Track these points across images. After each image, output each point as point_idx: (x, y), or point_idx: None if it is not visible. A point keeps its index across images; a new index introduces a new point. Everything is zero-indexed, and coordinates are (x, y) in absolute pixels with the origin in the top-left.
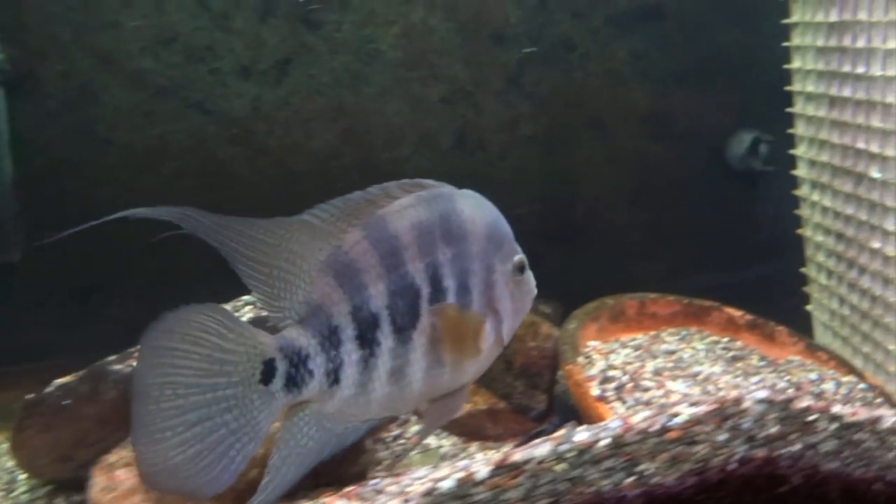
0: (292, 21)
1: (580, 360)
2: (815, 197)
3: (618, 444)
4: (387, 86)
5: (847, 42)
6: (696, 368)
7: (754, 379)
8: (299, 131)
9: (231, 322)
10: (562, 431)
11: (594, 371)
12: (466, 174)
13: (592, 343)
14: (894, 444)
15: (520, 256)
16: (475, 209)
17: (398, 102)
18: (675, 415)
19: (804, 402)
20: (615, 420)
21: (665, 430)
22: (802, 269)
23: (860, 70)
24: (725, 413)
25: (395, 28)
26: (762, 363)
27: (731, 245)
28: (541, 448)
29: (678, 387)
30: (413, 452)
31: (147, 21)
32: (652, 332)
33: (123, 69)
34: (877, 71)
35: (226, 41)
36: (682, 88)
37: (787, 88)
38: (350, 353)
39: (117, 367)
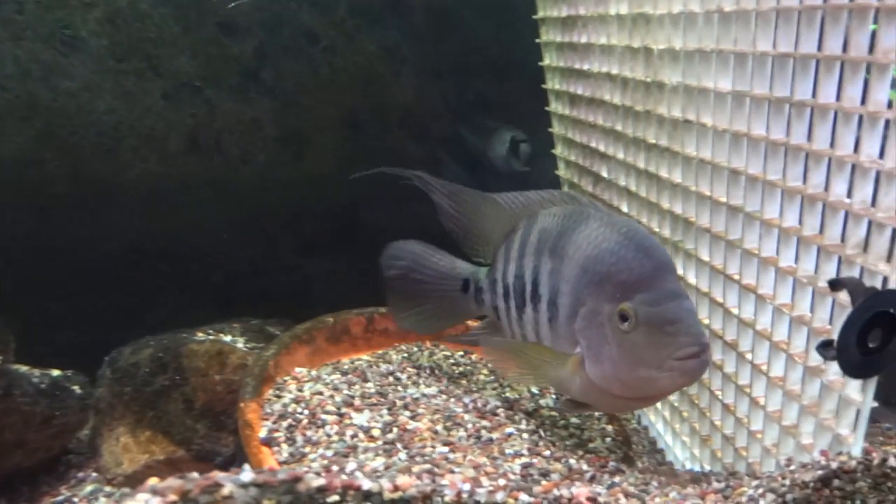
0: None
1: (270, 393)
2: None
3: None
4: (93, 79)
5: (575, 38)
6: (409, 391)
7: (467, 399)
8: None
9: (438, 251)
10: None
11: (277, 406)
12: (203, 181)
13: (300, 370)
14: None
15: (627, 305)
16: (592, 238)
17: (109, 99)
18: None
19: (318, 480)
20: None
21: None
22: None
23: (586, 66)
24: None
25: (96, 12)
26: (490, 378)
27: None
28: None
29: (363, 419)
30: None
31: None
32: (381, 351)
33: None
34: (595, 67)
35: None
36: (440, 86)
37: (544, 86)
38: (499, 300)
39: None
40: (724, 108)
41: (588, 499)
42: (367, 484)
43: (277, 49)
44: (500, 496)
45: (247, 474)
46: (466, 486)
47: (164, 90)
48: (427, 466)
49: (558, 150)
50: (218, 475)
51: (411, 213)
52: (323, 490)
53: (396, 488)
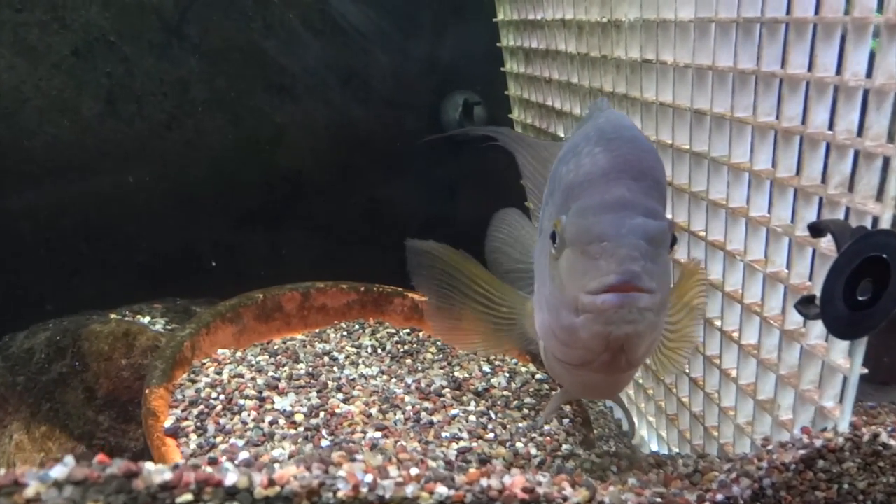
0: None
1: (183, 378)
2: None
3: None
4: None
5: None
6: (345, 372)
7: (410, 379)
8: None
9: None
10: None
11: (190, 392)
12: (123, 150)
13: (223, 352)
14: None
15: (563, 218)
16: (577, 138)
17: (9, 55)
18: None
19: (163, 475)
20: None
21: None
22: None
23: (539, 16)
24: None
25: None
26: (438, 356)
27: (464, 226)
28: None
29: (286, 402)
30: None
31: None
32: (318, 330)
33: None
34: (549, 14)
35: None
36: (385, 43)
37: (499, 45)
38: None
39: None
40: (687, 40)
41: (524, 489)
42: (231, 478)
43: (203, 0)
44: (410, 489)
45: (60, 468)
46: (368, 478)
47: (74, 46)
48: (336, 454)
49: (515, 114)
50: (22, 471)
51: (357, 182)
52: (169, 487)
53: (272, 482)
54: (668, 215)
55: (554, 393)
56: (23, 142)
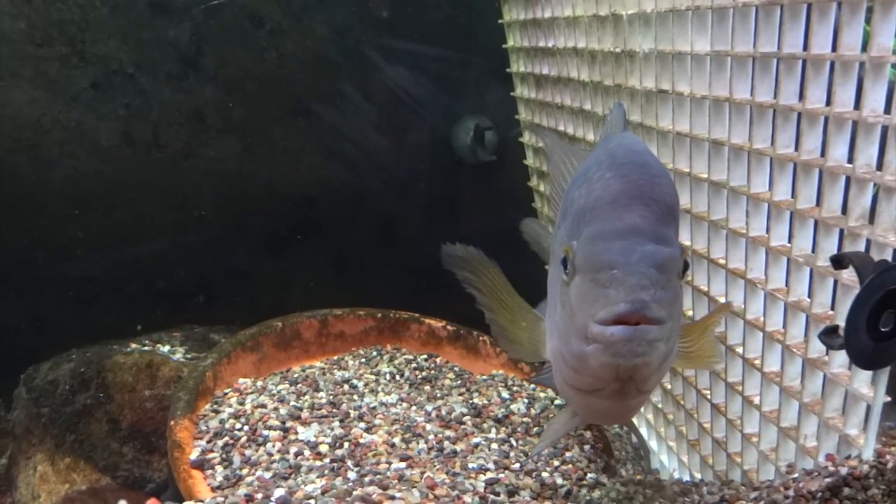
0: None
1: (206, 408)
2: (542, 187)
3: None
4: (10, 67)
5: (539, 14)
6: (365, 400)
7: (430, 407)
8: None
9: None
10: None
11: (214, 423)
12: (140, 179)
13: (244, 381)
14: None
15: (574, 244)
16: (589, 162)
17: (30, 88)
18: None
19: None
20: None
21: None
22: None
23: (550, 43)
24: None
25: None
26: (456, 382)
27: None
28: None
29: (310, 433)
30: None
31: None
32: (336, 357)
33: None
34: (561, 43)
35: None
36: (397, 70)
37: (509, 70)
38: None
39: None
40: (703, 72)
41: None
42: None
43: (218, 32)
44: None
45: None
46: None
47: (93, 78)
48: (371, 489)
49: (525, 138)
50: None
51: (371, 207)
52: None
53: None
54: (686, 241)
55: (552, 416)
56: (43, 173)
